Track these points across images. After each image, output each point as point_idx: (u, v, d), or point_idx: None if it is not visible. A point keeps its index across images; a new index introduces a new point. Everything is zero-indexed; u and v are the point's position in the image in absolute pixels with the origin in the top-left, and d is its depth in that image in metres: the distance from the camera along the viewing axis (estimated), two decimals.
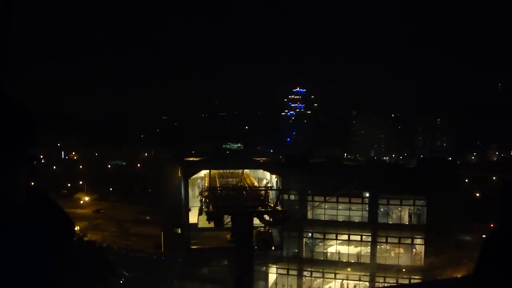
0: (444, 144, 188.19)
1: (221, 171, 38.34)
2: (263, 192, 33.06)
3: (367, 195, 39.23)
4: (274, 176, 36.88)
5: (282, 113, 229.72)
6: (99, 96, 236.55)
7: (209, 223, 28.60)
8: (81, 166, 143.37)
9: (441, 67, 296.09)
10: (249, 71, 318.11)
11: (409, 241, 39.08)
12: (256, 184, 39.61)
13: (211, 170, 37.00)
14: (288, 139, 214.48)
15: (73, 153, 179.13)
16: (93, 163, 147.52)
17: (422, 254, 39.25)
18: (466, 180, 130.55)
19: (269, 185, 37.22)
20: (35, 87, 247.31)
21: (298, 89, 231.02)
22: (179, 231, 37.67)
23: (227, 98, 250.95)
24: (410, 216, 40.09)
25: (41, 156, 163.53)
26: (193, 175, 35.79)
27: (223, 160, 40.97)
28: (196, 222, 34.52)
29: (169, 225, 42.11)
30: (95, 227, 68.53)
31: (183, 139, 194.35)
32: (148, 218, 77.47)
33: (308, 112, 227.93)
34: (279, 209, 28.58)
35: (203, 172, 38.22)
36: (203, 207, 33.76)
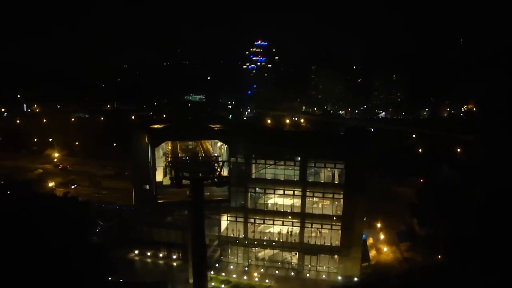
0: (399, 100, 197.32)
1: None
2: (214, 158, 42.76)
3: (299, 159, 48.67)
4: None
5: (244, 66, 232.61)
6: (58, 45, 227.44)
7: (172, 184, 37.79)
8: (44, 120, 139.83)
9: (398, 22, 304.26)
10: (211, 21, 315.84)
11: (330, 195, 49.03)
12: (210, 148, 48.40)
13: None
14: (249, 91, 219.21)
15: (35, 105, 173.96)
16: (56, 116, 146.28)
17: (342, 205, 49.30)
18: (413, 136, 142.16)
19: (222, 148, 46.07)
20: None
21: (259, 42, 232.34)
22: (148, 187, 45.33)
23: (190, 47, 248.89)
24: (333, 176, 49.82)
25: (3, 110, 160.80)
26: (159, 145, 43.82)
27: (184, 132, 48.61)
28: (162, 180, 42.96)
29: (138, 182, 49.97)
30: (70, 182, 74.47)
31: (145, 89, 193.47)
32: (113, 172, 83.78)
33: (269, 65, 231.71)
34: (223, 174, 38.03)
35: None
36: (167, 170, 42.40)
